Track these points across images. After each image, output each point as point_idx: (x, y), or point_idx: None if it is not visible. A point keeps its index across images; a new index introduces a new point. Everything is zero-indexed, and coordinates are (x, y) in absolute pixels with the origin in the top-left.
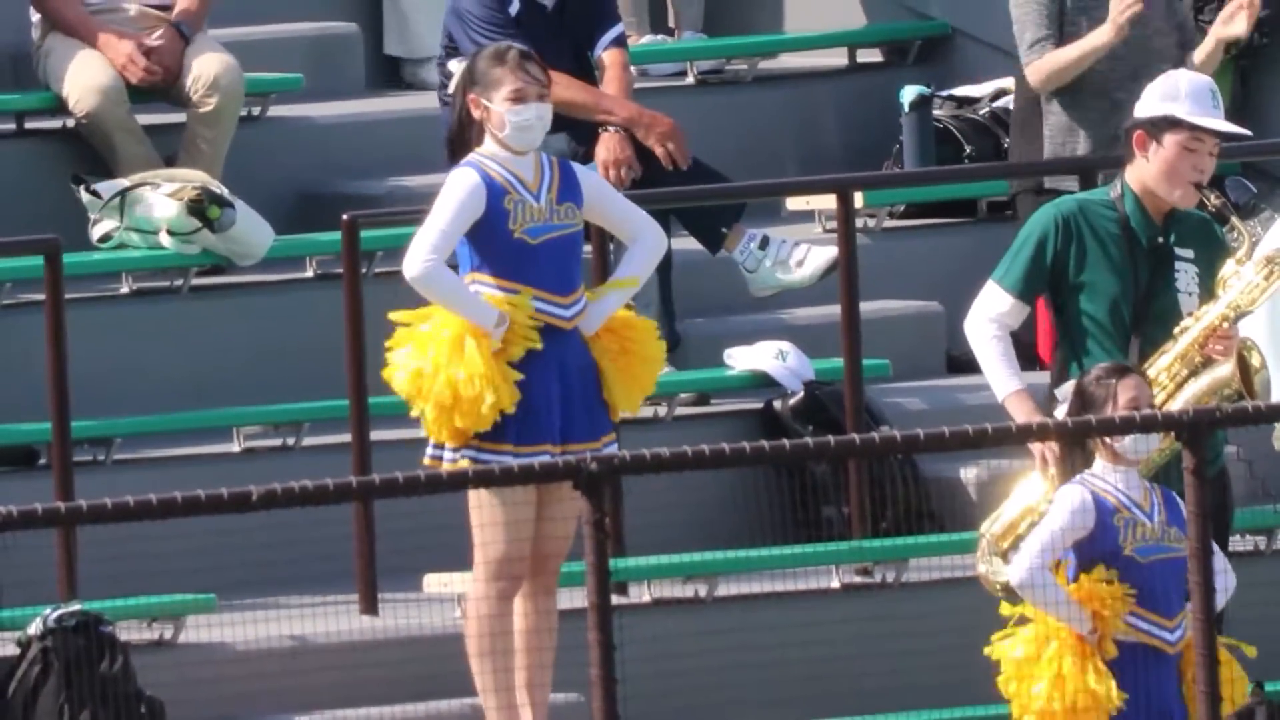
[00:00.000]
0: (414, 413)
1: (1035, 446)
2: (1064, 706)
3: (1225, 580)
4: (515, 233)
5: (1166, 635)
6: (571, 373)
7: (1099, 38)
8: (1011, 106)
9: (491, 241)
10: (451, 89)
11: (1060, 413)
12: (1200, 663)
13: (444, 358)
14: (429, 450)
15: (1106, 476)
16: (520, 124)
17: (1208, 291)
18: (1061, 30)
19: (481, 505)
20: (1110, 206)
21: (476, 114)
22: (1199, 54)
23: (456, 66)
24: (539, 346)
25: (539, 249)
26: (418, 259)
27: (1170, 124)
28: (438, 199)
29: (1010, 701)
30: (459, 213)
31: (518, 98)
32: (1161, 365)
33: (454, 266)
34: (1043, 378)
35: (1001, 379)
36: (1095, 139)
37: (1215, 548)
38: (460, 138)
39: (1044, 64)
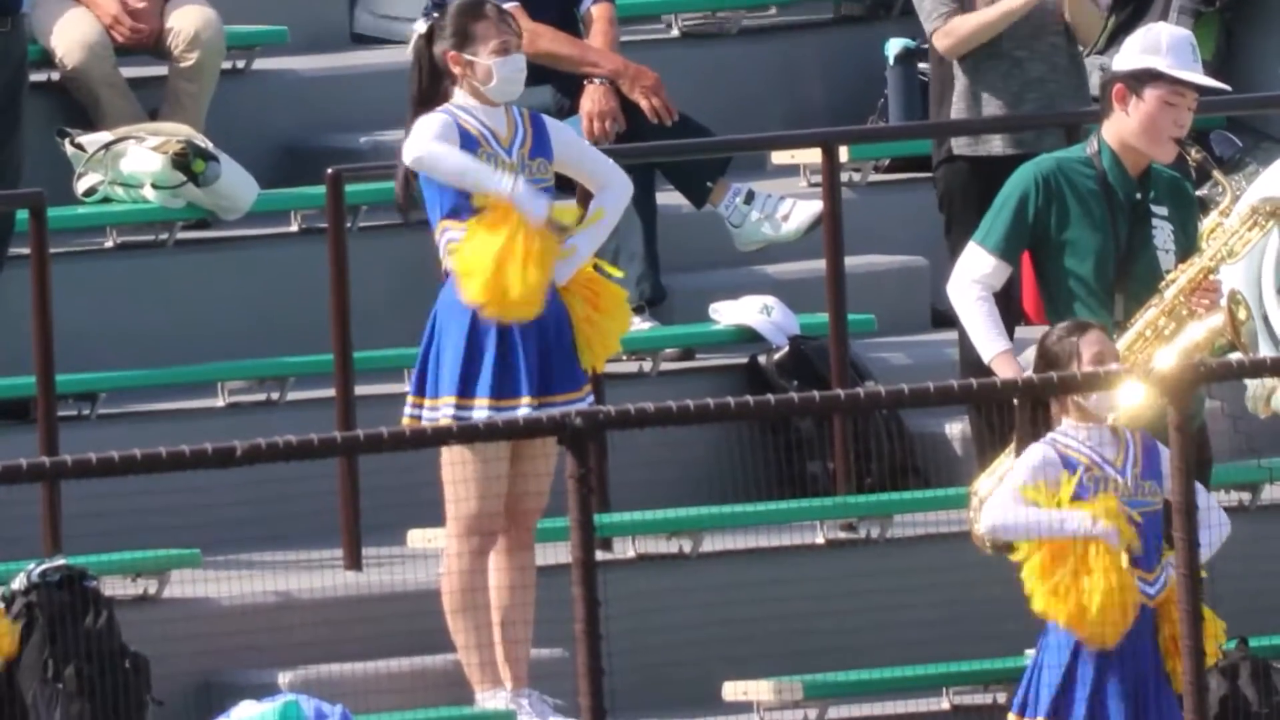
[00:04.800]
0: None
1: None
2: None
3: (1220, 528)
4: None
5: (1146, 589)
6: (549, 325)
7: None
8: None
9: (465, 192)
10: (412, 47)
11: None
12: (1184, 618)
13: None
14: (407, 409)
15: (1074, 435)
16: (508, 75)
17: (1182, 249)
18: None
19: (455, 462)
20: (1087, 164)
21: (457, 70)
22: (1066, 12)
23: (422, 25)
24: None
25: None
26: (419, 144)
27: (1151, 78)
28: (409, 140)
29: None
30: (440, 135)
31: (503, 49)
32: (1148, 319)
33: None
34: (1029, 333)
35: (987, 340)
36: (1000, 99)
37: (1209, 494)
38: (430, 93)
39: (955, 28)
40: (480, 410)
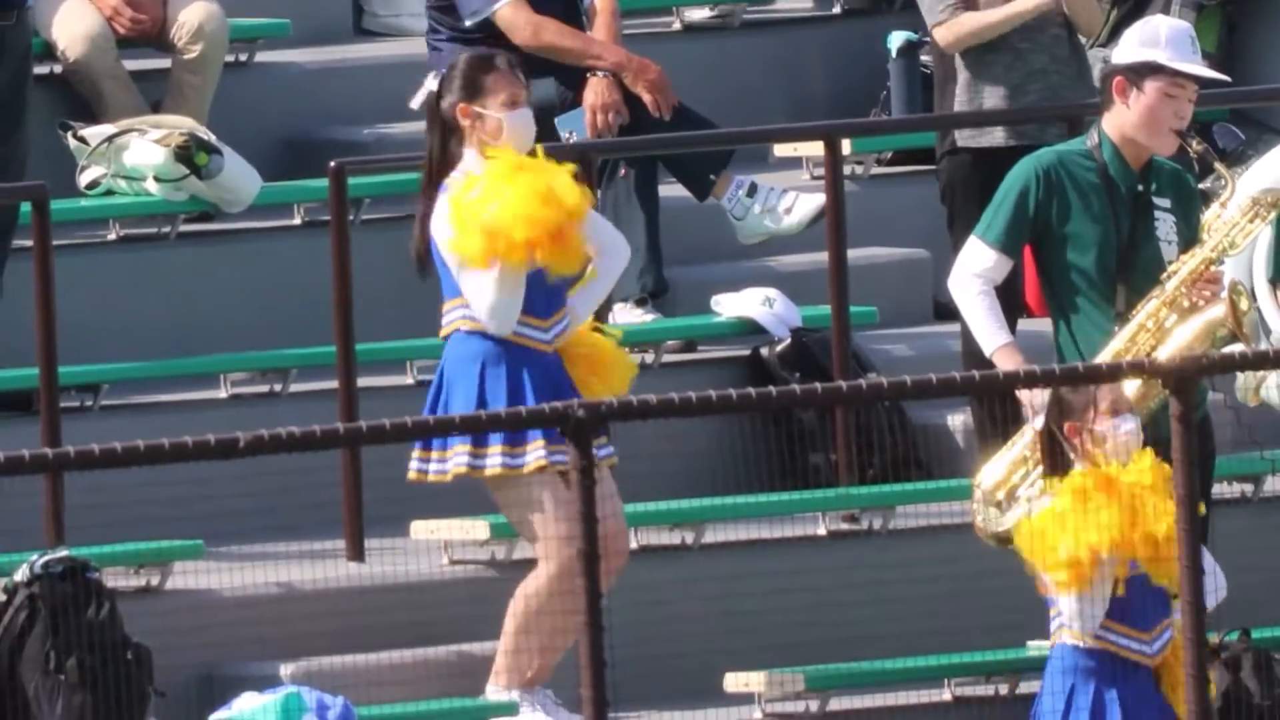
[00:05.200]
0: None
1: (1025, 396)
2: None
3: (1214, 581)
4: None
5: (1145, 649)
6: (557, 374)
7: (1028, 2)
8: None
9: None
10: (419, 103)
11: (1038, 423)
12: (1185, 609)
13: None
14: (413, 464)
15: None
16: (518, 127)
17: (1185, 241)
18: None
19: (532, 512)
20: (1088, 156)
21: (465, 122)
22: (1065, 4)
23: (433, 82)
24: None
25: (527, 279)
26: (484, 305)
27: (1151, 70)
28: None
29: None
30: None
31: (512, 103)
32: (1149, 310)
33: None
34: (1031, 326)
35: (989, 334)
36: (1002, 91)
37: (1209, 558)
38: (445, 150)
39: (959, 25)
40: (493, 459)
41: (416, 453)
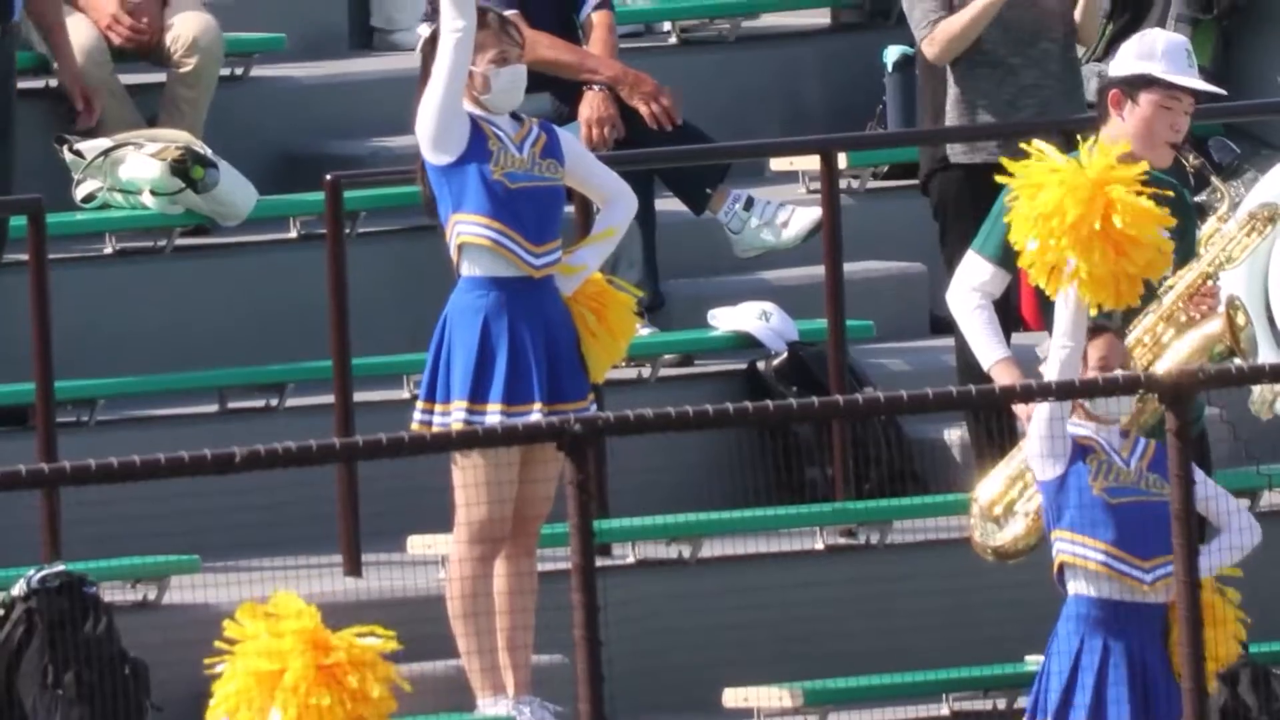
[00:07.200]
0: None
1: (1021, 410)
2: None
3: (1250, 537)
4: (495, 174)
5: (1141, 575)
6: (557, 333)
7: None
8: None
9: (472, 179)
10: (420, 48)
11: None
12: (1183, 625)
13: None
14: (417, 415)
15: (1083, 425)
16: (505, 86)
17: (1180, 255)
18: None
19: (465, 466)
20: None
21: None
22: (1078, 11)
23: (426, 29)
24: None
25: (517, 194)
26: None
27: (1146, 83)
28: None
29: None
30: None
31: (501, 60)
32: (1146, 325)
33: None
34: (1027, 339)
35: (987, 348)
36: (993, 106)
37: (1238, 505)
38: None
39: (938, 35)
40: (492, 415)
41: (420, 404)
